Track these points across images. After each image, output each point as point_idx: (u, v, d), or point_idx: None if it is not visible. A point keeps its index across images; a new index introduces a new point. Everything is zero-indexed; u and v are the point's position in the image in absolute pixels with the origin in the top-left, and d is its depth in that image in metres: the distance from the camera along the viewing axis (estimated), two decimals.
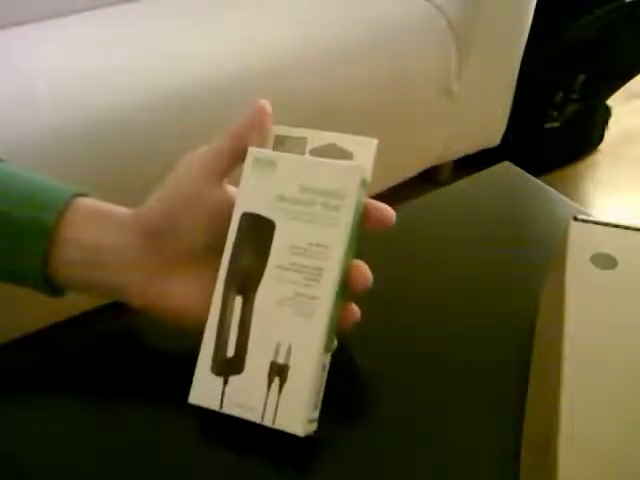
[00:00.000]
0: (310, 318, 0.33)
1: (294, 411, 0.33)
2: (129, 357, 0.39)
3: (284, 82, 1.10)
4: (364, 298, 0.35)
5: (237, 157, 0.36)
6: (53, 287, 0.37)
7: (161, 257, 0.36)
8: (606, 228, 0.37)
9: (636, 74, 1.62)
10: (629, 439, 0.27)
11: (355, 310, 0.36)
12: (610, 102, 1.72)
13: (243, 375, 0.34)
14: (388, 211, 0.36)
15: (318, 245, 0.34)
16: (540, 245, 0.47)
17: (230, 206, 0.35)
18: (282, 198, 0.35)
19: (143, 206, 0.36)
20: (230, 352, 0.34)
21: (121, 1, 1.21)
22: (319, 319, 0.33)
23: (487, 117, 1.51)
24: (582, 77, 1.56)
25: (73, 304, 0.93)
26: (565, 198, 0.51)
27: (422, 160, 1.46)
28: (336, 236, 0.34)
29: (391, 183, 1.32)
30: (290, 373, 0.33)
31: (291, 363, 0.33)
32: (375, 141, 0.36)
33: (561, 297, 0.33)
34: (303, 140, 0.37)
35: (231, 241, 0.35)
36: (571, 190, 1.65)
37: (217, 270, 0.35)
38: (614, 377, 0.30)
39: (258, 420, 0.33)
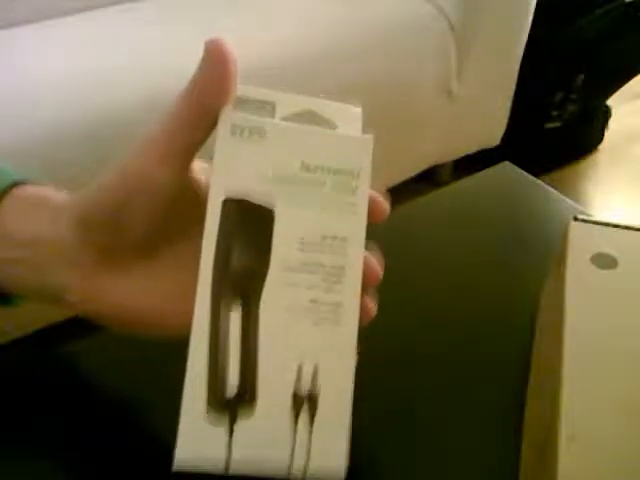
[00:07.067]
0: (337, 328, 0.27)
1: (332, 450, 0.26)
2: (132, 361, 0.39)
3: (283, 82, 1.10)
4: None
5: (201, 126, 0.27)
6: None
7: (99, 255, 0.29)
8: (606, 228, 0.36)
9: (636, 74, 1.63)
10: (629, 439, 0.27)
11: (370, 306, 0.29)
12: (610, 102, 1.72)
13: (256, 416, 0.26)
14: (383, 204, 0.30)
15: (334, 237, 0.27)
16: (540, 245, 0.47)
17: (196, 190, 0.29)
18: (278, 178, 0.27)
19: (82, 191, 0.29)
20: (233, 385, 0.26)
21: (121, 1, 1.21)
22: (347, 328, 0.27)
23: (487, 117, 1.51)
24: (582, 77, 1.56)
25: None
26: (565, 198, 0.51)
27: (422, 160, 1.46)
28: (355, 225, 0.27)
29: (391, 183, 1.32)
30: (321, 403, 0.26)
31: (320, 389, 0.26)
32: (359, 110, 0.29)
33: (561, 297, 0.33)
34: (271, 105, 0.28)
35: (212, 235, 0.26)
36: (571, 190, 1.65)
37: (179, 269, 0.28)
38: (614, 377, 0.30)
39: (284, 474, 0.25)
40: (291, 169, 0.27)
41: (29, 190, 0.31)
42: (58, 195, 0.31)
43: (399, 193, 0.53)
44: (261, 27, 1.15)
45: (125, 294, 0.29)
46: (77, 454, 0.34)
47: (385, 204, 0.29)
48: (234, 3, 1.21)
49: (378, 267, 0.29)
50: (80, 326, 0.36)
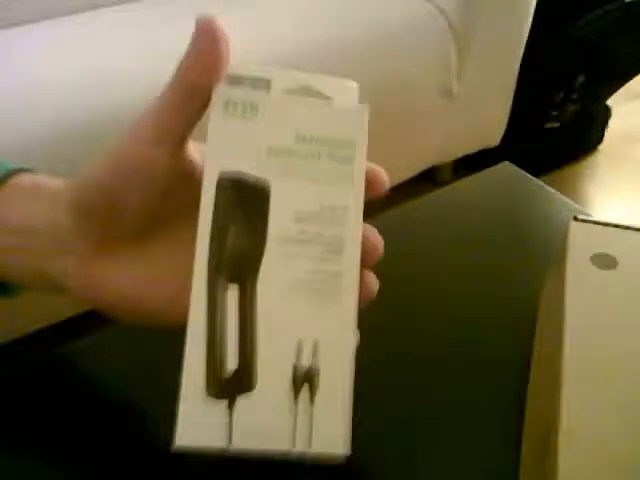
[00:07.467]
0: (337, 300, 0.26)
1: (334, 426, 0.26)
2: (132, 361, 0.39)
3: None
4: None
5: (193, 103, 0.27)
6: None
7: (97, 240, 0.29)
8: (606, 228, 0.37)
9: (636, 74, 1.63)
10: (629, 439, 0.27)
11: (372, 284, 0.29)
12: (610, 102, 1.72)
13: (256, 392, 0.25)
14: (383, 175, 0.29)
15: (332, 207, 0.27)
16: (540, 245, 0.47)
17: (191, 171, 0.29)
18: (273, 151, 0.27)
19: (79, 176, 0.29)
20: (232, 363, 0.26)
21: (121, 1, 1.21)
22: (347, 300, 0.27)
23: (487, 117, 1.51)
24: (582, 77, 1.56)
25: (74, 304, 0.93)
26: (565, 198, 0.51)
27: (422, 160, 1.46)
28: (352, 194, 0.27)
29: (391, 183, 1.32)
30: (322, 377, 0.26)
31: (321, 364, 0.26)
32: (355, 84, 0.29)
33: (561, 297, 0.33)
34: (265, 81, 0.28)
35: (207, 213, 0.26)
36: (571, 190, 1.65)
37: (175, 255, 0.28)
38: (614, 377, 0.30)
39: (287, 450, 0.25)
40: (286, 141, 0.27)
41: (26, 179, 0.31)
42: (55, 182, 0.30)
43: (399, 193, 0.53)
44: (261, 27, 1.15)
45: (122, 282, 0.29)
46: (77, 454, 0.34)
47: (384, 175, 0.29)
48: (234, 3, 1.21)
49: (378, 242, 0.29)
50: (80, 326, 0.36)
